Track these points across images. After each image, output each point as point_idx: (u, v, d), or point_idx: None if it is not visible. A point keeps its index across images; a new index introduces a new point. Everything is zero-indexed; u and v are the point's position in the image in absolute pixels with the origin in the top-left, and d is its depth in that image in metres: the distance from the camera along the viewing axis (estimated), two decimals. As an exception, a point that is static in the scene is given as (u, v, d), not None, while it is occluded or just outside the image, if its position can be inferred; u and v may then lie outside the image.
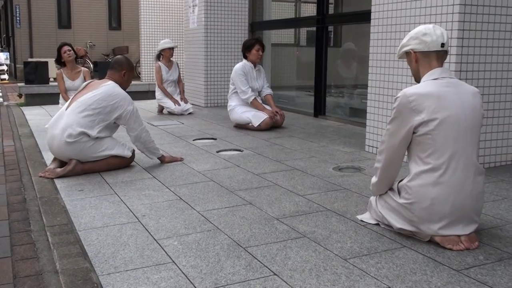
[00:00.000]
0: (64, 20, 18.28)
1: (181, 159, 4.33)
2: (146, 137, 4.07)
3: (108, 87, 3.98)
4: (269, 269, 2.24)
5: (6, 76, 17.98)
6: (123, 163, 4.05)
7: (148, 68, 12.64)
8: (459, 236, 2.45)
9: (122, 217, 2.94)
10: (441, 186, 2.41)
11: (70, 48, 6.65)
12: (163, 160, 4.21)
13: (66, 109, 3.96)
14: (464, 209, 2.44)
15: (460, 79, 3.49)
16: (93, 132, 3.85)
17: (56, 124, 3.93)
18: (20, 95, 11.91)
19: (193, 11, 8.18)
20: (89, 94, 3.95)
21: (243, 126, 5.90)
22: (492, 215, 2.94)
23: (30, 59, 14.87)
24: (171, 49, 7.23)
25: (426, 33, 2.56)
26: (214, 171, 3.97)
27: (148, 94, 11.48)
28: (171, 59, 7.31)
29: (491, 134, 4.00)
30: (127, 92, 4.10)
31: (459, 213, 2.43)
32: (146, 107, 8.01)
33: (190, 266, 2.28)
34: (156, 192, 3.43)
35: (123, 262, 2.33)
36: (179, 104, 7.16)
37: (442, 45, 2.54)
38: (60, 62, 6.68)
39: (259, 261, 2.32)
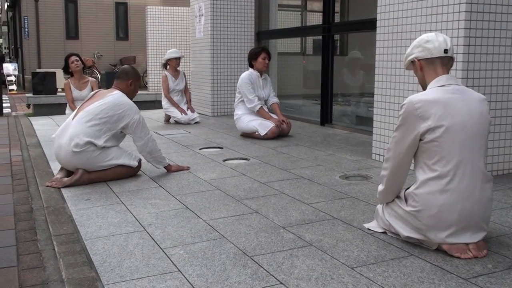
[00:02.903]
0: (72, 31, 18.44)
1: (187, 168, 4.33)
2: (153, 146, 4.07)
3: (114, 96, 3.99)
4: (275, 278, 2.23)
5: (14, 87, 18.13)
6: (129, 173, 4.06)
7: (155, 78, 12.71)
8: (467, 244, 2.43)
9: (128, 226, 2.94)
10: (449, 194, 2.39)
11: (77, 58, 6.71)
12: (169, 169, 4.22)
13: (73, 118, 3.97)
14: (472, 217, 2.42)
15: (467, 86, 3.47)
16: (100, 142, 3.86)
17: (63, 133, 3.94)
18: (28, 106, 11.99)
19: (199, 20, 8.22)
20: (95, 103, 3.96)
21: (249, 135, 5.90)
22: (501, 223, 2.92)
23: (38, 70, 14.98)
24: (178, 59, 7.27)
25: (428, 40, 2.55)
26: (221, 180, 3.97)
27: (155, 104, 11.55)
28: (178, 68, 7.34)
29: (499, 142, 3.97)
30: (134, 101, 4.12)
31: (467, 221, 2.41)
32: (153, 116, 8.04)
33: (196, 275, 2.27)
34: (162, 201, 3.43)
35: (129, 271, 2.32)
36: (185, 113, 7.18)
37: (445, 51, 2.53)
38: (67, 71, 6.74)
39: (265, 270, 2.31)
